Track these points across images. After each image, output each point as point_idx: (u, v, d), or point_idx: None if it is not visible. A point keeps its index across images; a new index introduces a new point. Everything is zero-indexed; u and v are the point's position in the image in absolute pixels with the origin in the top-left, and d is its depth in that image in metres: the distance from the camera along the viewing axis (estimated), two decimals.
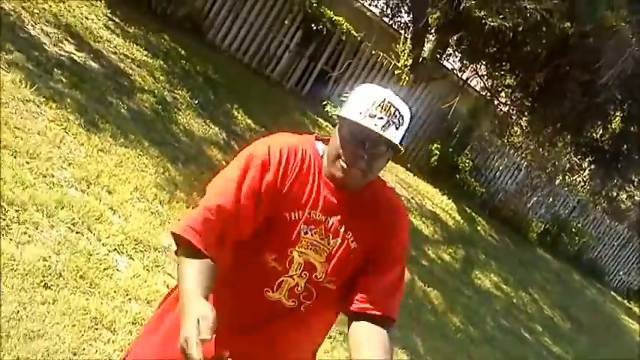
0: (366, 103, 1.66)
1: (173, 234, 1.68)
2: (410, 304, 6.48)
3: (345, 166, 1.68)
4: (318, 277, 1.74)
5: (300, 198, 1.71)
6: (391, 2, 11.88)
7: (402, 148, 1.71)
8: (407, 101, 1.76)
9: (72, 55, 6.37)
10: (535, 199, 12.72)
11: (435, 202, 10.52)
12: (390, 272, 1.79)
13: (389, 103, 1.67)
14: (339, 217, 1.74)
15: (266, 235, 1.70)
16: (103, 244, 3.93)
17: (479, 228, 10.90)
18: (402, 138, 1.70)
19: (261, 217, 1.69)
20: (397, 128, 1.67)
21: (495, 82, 11.41)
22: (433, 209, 10.13)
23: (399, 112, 1.68)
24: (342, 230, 1.74)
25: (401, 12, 11.90)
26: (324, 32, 10.64)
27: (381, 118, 1.65)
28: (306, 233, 1.72)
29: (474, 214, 11.12)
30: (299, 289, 1.73)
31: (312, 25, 10.51)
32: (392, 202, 1.85)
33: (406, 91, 11.03)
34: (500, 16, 7.79)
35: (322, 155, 1.77)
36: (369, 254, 1.77)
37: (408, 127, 1.72)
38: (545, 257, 12.34)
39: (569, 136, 11.04)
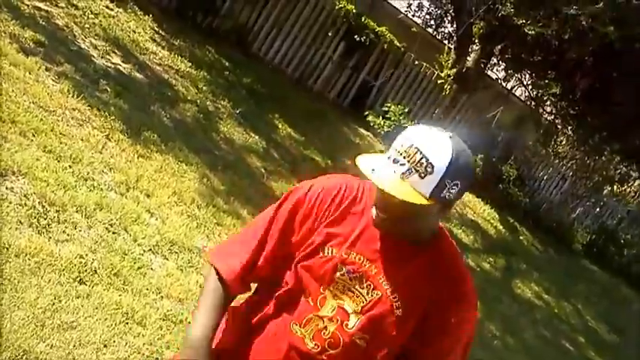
0: (396, 146, 1.51)
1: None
2: None
3: (374, 213, 1.58)
4: (349, 327, 1.59)
5: (340, 235, 1.60)
6: (434, 13, 11.90)
7: (428, 201, 1.48)
8: (459, 146, 1.52)
9: (118, 67, 6.66)
10: (581, 209, 12.49)
11: (477, 212, 10.46)
12: (416, 342, 1.63)
13: (415, 149, 1.47)
14: (385, 267, 1.59)
15: (301, 266, 1.63)
16: (138, 245, 4.11)
17: (521, 237, 10.78)
18: (437, 188, 1.48)
19: (291, 249, 1.65)
20: (422, 177, 1.47)
21: (540, 91, 11.28)
22: (474, 218, 10.08)
23: (427, 160, 1.46)
24: (386, 287, 1.59)
25: (444, 22, 11.90)
26: (367, 43, 10.75)
27: (403, 164, 1.48)
28: (342, 275, 1.59)
29: (516, 223, 11.00)
30: (326, 333, 1.60)
31: (355, 37, 10.63)
32: (452, 271, 1.65)
33: (448, 101, 11.06)
34: (540, 25, 7.75)
35: None
36: (418, 326, 1.61)
37: (446, 177, 1.48)
38: (591, 268, 12.08)
39: (617, 145, 10.81)
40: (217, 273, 1.68)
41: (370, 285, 1.58)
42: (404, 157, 1.48)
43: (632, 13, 7.46)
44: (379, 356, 1.62)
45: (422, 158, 1.47)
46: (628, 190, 13.28)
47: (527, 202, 11.96)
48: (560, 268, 10.81)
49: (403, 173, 1.48)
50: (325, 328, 1.59)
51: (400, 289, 1.58)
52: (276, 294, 1.66)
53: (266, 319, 1.67)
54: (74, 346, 2.96)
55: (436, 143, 1.48)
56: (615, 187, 12.70)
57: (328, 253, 1.60)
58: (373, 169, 1.50)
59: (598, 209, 12.87)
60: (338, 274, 1.59)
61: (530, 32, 7.47)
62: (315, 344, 1.60)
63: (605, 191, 12.70)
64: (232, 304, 1.74)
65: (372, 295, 1.58)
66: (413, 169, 1.47)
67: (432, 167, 1.47)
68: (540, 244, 11.15)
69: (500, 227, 10.48)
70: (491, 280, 8.17)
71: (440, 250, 1.65)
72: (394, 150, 1.50)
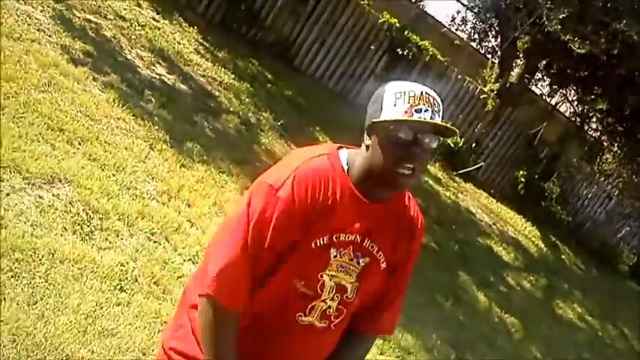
0: (405, 99, 1.59)
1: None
2: (484, 329, 6.40)
3: (399, 173, 1.61)
4: (349, 297, 1.73)
5: (326, 224, 1.66)
6: (479, 27, 11.83)
7: (456, 130, 1.66)
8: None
9: (162, 77, 6.78)
10: (627, 229, 12.18)
11: (518, 229, 10.30)
12: (404, 290, 1.87)
13: (427, 94, 1.61)
14: (368, 233, 1.70)
15: (292, 263, 1.66)
16: (178, 254, 4.16)
17: (563, 257, 10.56)
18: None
19: (281, 249, 1.66)
20: (441, 116, 1.62)
21: (586, 107, 11.08)
22: (515, 236, 9.92)
23: (437, 101, 1.63)
24: (372, 249, 1.72)
25: (488, 36, 11.82)
26: (410, 57, 10.73)
27: (427, 110, 1.59)
28: (335, 257, 1.68)
29: (558, 242, 10.78)
30: (331, 310, 1.72)
31: (398, 50, 10.62)
32: (415, 214, 1.82)
33: (491, 116, 10.94)
34: (587, 42, 7.62)
35: (348, 168, 1.70)
36: (393, 270, 1.79)
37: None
38: (638, 290, 11.76)
39: None
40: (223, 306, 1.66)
41: (359, 254, 1.70)
42: (424, 104, 1.59)
43: None
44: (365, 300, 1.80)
45: (434, 100, 1.61)
46: None
47: (570, 221, 11.73)
48: (604, 289, 10.54)
49: (431, 117, 1.60)
50: (329, 307, 1.72)
51: (383, 246, 1.73)
52: (273, 292, 1.69)
53: (267, 318, 1.71)
54: (114, 352, 3.00)
55: (427, 87, 1.64)
56: None
57: (320, 242, 1.66)
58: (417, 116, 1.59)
59: None
60: (331, 257, 1.68)
61: (578, 50, 7.35)
62: (324, 322, 1.73)
63: None
64: None
65: (362, 262, 1.71)
66: (434, 111, 1.60)
67: (441, 105, 1.64)
68: (583, 264, 10.90)
69: (542, 245, 10.29)
70: (532, 300, 8.01)
71: (400, 198, 1.79)
72: (411, 101, 1.59)
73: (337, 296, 1.71)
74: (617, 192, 12.09)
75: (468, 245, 8.30)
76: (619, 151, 10.87)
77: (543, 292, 8.45)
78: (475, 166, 10.30)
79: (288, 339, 1.73)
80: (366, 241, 1.71)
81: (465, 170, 10.36)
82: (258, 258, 1.64)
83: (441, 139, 1.66)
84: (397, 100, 1.60)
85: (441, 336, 5.56)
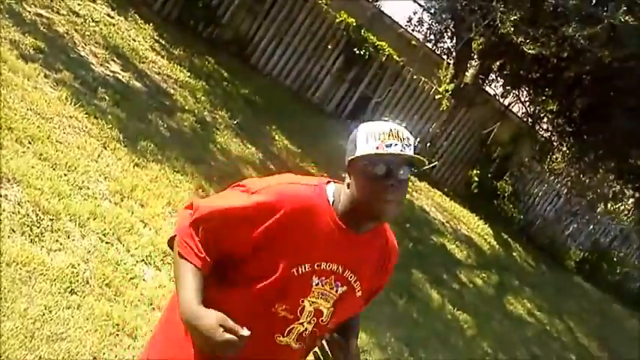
0: (376, 137, 1.72)
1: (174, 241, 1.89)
2: (437, 326, 6.51)
3: (379, 206, 1.73)
4: (324, 321, 1.84)
5: (307, 252, 1.76)
6: (435, 28, 11.97)
7: (425, 160, 1.79)
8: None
9: (117, 75, 6.69)
10: (574, 226, 12.53)
11: (471, 227, 10.49)
12: (364, 303, 1.99)
13: (396, 130, 1.74)
14: (350, 264, 1.82)
15: (275, 290, 1.76)
16: (131, 255, 4.12)
17: (515, 254, 10.80)
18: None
19: (253, 250, 1.76)
20: (412, 149, 1.76)
21: (537, 107, 11.35)
22: (468, 234, 10.10)
23: (407, 135, 1.75)
24: (351, 279, 1.83)
25: (444, 37, 11.98)
26: (367, 57, 10.81)
27: (397, 144, 1.71)
28: (317, 285, 1.79)
29: (510, 240, 11.02)
30: (306, 332, 1.84)
31: (355, 50, 10.69)
32: (392, 243, 1.95)
33: (445, 116, 11.11)
34: (539, 44, 7.81)
35: (333, 201, 1.81)
36: (367, 298, 1.95)
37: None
38: (584, 286, 12.10)
39: (612, 163, 10.87)
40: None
41: (338, 283, 1.82)
42: (394, 139, 1.71)
43: (628, 34, 7.53)
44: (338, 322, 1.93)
45: (404, 134, 1.74)
46: (621, 208, 13.33)
47: (521, 219, 12.00)
48: (552, 285, 10.82)
49: (401, 149, 1.72)
50: (305, 329, 1.83)
51: (361, 276, 1.85)
52: (255, 314, 1.77)
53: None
54: (63, 358, 2.96)
55: (399, 125, 1.77)
56: (609, 204, 12.75)
57: (302, 270, 1.76)
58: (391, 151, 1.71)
59: (591, 227, 12.91)
60: (313, 285, 1.78)
61: (530, 52, 7.53)
62: (299, 343, 1.85)
63: (598, 209, 12.75)
64: None
65: (340, 290, 1.82)
66: (405, 145, 1.73)
67: (411, 140, 1.77)
68: (533, 261, 11.16)
69: (494, 243, 10.50)
70: (483, 297, 8.18)
71: (381, 229, 1.90)
72: (382, 138, 1.72)
73: (314, 320, 1.82)
74: (565, 190, 12.41)
75: (422, 243, 8.43)
76: (568, 151, 11.16)
77: (495, 288, 8.64)
78: (429, 165, 10.44)
79: (267, 357, 1.82)
80: (346, 272, 1.82)
81: (419, 170, 10.49)
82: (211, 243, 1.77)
83: (413, 169, 1.78)
84: (369, 138, 1.73)
85: (394, 334, 5.63)
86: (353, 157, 1.75)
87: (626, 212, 13.42)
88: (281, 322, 1.80)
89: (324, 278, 1.79)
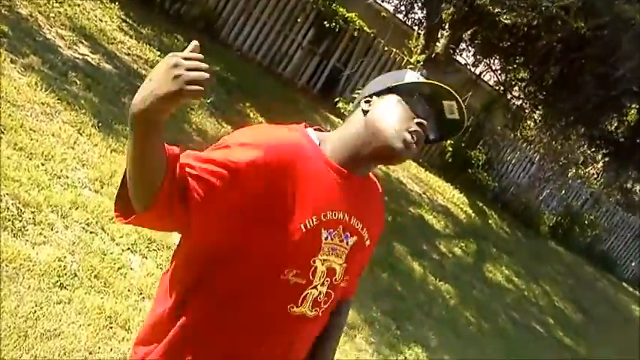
0: (411, 76, 1.61)
1: None
2: (421, 298, 6.57)
3: (409, 138, 1.56)
4: (337, 279, 1.62)
5: (311, 202, 1.52)
6: None
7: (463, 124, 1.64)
8: None
9: (86, 58, 6.50)
10: (547, 192, 12.72)
11: (447, 197, 10.57)
12: (369, 256, 1.78)
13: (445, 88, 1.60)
14: (354, 210, 1.61)
15: (282, 253, 1.51)
16: (116, 244, 4.04)
17: (491, 222, 10.94)
18: None
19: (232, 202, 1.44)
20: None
21: (509, 76, 11.40)
22: (445, 204, 10.18)
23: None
24: (358, 226, 1.63)
25: (414, 8, 11.91)
26: (337, 30, 10.70)
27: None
28: (326, 239, 1.56)
29: (485, 208, 11.15)
30: (321, 297, 1.60)
31: (325, 23, 10.57)
32: (377, 184, 1.78)
33: None
34: (514, 13, 7.80)
35: (319, 142, 1.62)
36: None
37: None
38: (557, 250, 12.35)
39: (582, 129, 11.02)
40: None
41: (347, 233, 1.60)
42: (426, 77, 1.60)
43: (601, 3, 7.56)
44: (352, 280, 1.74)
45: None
46: (592, 172, 13.58)
47: (495, 186, 12.13)
48: (528, 250, 11.02)
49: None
50: (319, 293, 1.58)
51: (366, 222, 1.65)
52: (261, 287, 1.52)
53: (256, 314, 1.55)
54: (59, 355, 2.89)
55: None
56: (580, 169, 12.96)
57: (310, 224, 1.52)
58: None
59: (563, 192, 13.13)
60: (323, 240, 1.55)
61: (506, 21, 7.51)
62: (315, 310, 1.60)
63: (570, 174, 12.96)
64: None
65: (351, 242, 1.61)
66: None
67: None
68: (509, 228, 11.33)
69: (470, 212, 10.61)
70: (463, 266, 8.28)
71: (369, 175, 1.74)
72: (417, 78, 1.62)
73: (327, 280, 1.59)
74: (538, 157, 12.56)
75: (400, 215, 8.46)
76: (539, 118, 11.26)
77: (473, 257, 8.74)
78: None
79: (281, 334, 1.60)
80: (353, 219, 1.61)
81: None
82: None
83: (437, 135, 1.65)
84: (419, 78, 1.63)
85: (380, 307, 5.67)
86: (403, 82, 1.60)
87: (595, 176, 13.67)
88: (293, 290, 1.54)
89: (332, 230, 1.56)
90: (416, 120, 1.57)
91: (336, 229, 1.57)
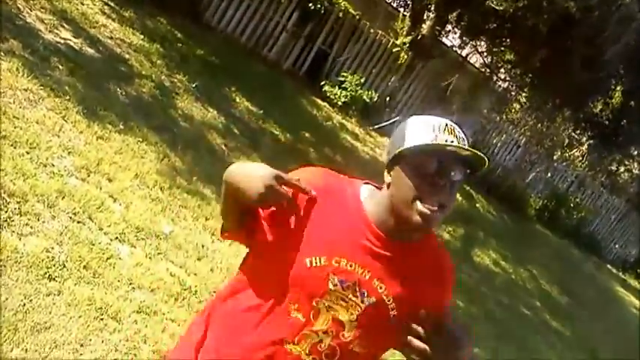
0: (429, 129, 1.49)
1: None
2: None
3: (423, 208, 1.46)
4: (346, 337, 1.54)
5: (326, 242, 1.52)
6: None
7: (486, 160, 1.49)
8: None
9: (68, 42, 6.35)
10: (533, 174, 12.75)
11: None
12: (398, 333, 1.61)
13: (452, 126, 1.51)
14: (378, 273, 1.53)
15: (284, 282, 1.53)
16: (104, 233, 3.96)
17: (477, 205, 10.95)
18: None
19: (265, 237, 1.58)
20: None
21: (495, 58, 11.36)
22: None
23: (463, 135, 1.52)
24: (380, 290, 1.53)
25: None
26: (322, 11, 10.57)
27: (452, 141, 1.48)
28: (335, 285, 1.51)
29: (472, 191, 11.14)
30: (322, 346, 1.54)
31: (310, 5, 10.43)
32: (444, 261, 1.66)
33: (403, 69, 11.03)
34: None
35: (365, 199, 1.58)
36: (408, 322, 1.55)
37: None
38: (544, 233, 12.42)
39: (568, 112, 11.04)
40: None
41: (364, 292, 1.53)
42: (449, 134, 1.48)
43: None
44: (378, 355, 1.63)
45: (459, 133, 1.51)
46: (577, 154, 13.64)
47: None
48: (515, 234, 11.06)
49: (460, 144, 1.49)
50: (321, 341, 1.54)
51: (394, 290, 1.54)
52: (267, 308, 1.56)
53: (257, 337, 1.57)
54: (50, 348, 2.83)
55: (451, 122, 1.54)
56: (565, 152, 13.01)
57: (316, 262, 1.51)
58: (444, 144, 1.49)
59: (549, 174, 13.17)
60: (330, 285, 1.51)
61: (494, 6, 7.47)
62: (313, 358, 1.55)
63: (555, 156, 13.00)
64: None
65: (366, 303, 1.53)
66: (462, 144, 1.50)
67: (467, 141, 1.53)
68: (496, 211, 11.35)
69: (457, 196, 10.60)
70: (451, 250, 8.17)
71: (427, 241, 1.61)
72: (435, 131, 1.49)
73: (332, 331, 1.53)
74: (524, 140, 12.58)
75: None
76: (526, 101, 11.26)
77: (461, 241, 8.75)
78: (390, 121, 10.39)
79: None
80: (375, 281, 1.53)
81: (380, 125, 10.44)
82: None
83: (468, 171, 1.52)
84: (420, 130, 1.50)
85: None
86: (402, 148, 1.49)
87: (580, 159, 13.73)
88: (291, 325, 1.53)
89: (344, 280, 1.51)
90: (434, 185, 1.47)
91: (351, 281, 1.52)
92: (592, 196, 14.14)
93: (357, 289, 1.52)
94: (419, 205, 1.47)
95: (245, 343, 1.57)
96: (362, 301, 1.53)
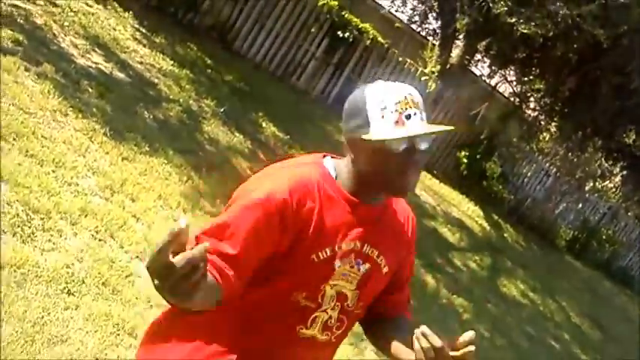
0: (392, 107, 1.50)
1: None
2: (434, 312, 6.46)
3: (401, 184, 1.56)
4: (350, 305, 1.66)
5: (325, 235, 1.58)
6: (419, 9, 11.83)
7: (449, 128, 1.65)
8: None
9: (99, 66, 6.51)
10: (564, 205, 12.55)
11: (462, 210, 10.46)
12: (408, 281, 1.83)
13: (410, 94, 1.53)
14: (367, 238, 1.63)
15: (294, 278, 1.59)
16: (125, 252, 4.00)
17: (506, 235, 10.80)
18: None
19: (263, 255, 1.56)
20: (427, 116, 1.57)
21: (524, 87, 11.27)
22: (459, 216, 10.07)
23: (419, 97, 1.55)
24: (373, 254, 1.65)
25: (429, 18, 11.83)
26: (351, 40, 10.68)
27: (416, 113, 1.51)
28: (339, 267, 1.61)
29: (501, 221, 11.02)
30: (332, 321, 1.64)
31: (339, 33, 10.55)
32: (408, 212, 1.77)
33: (432, 97, 11.01)
34: (532, 23, 7.70)
35: (336, 175, 1.63)
36: (395, 272, 1.73)
37: None
38: (574, 265, 12.17)
39: (599, 142, 10.85)
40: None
41: (360, 261, 1.63)
42: (413, 107, 1.51)
43: (619, 12, 7.46)
44: (370, 303, 1.75)
45: (418, 101, 1.54)
46: (609, 185, 13.39)
47: (511, 199, 11.99)
48: (544, 264, 10.86)
49: (422, 120, 1.53)
50: (330, 317, 1.64)
51: (383, 249, 1.66)
52: (273, 306, 1.61)
53: (268, 333, 1.63)
54: None
55: (408, 86, 1.57)
56: (597, 183, 12.79)
57: (323, 255, 1.58)
58: (406, 129, 1.51)
59: (580, 205, 12.95)
60: (335, 268, 1.61)
61: (524, 31, 7.43)
62: (326, 334, 1.65)
63: (587, 187, 12.79)
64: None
65: (362, 270, 1.64)
66: (422, 112, 1.54)
67: (420, 98, 1.56)
68: (524, 241, 11.18)
69: (485, 225, 10.49)
70: (478, 280, 8.16)
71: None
72: (397, 105, 1.51)
73: (338, 305, 1.63)
74: (554, 170, 12.41)
75: None
76: (555, 130, 11.12)
77: (488, 271, 8.62)
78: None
79: (290, 353, 1.65)
80: (365, 247, 1.63)
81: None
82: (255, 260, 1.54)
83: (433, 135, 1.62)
84: (383, 111, 1.51)
85: None
86: (367, 136, 1.51)
87: (613, 190, 13.48)
88: (302, 312, 1.60)
89: (345, 259, 1.61)
90: (406, 162, 1.53)
91: (349, 257, 1.61)
92: (625, 228, 13.84)
93: (353, 261, 1.62)
94: (393, 180, 1.56)
95: (257, 340, 1.63)
96: (358, 270, 1.64)
